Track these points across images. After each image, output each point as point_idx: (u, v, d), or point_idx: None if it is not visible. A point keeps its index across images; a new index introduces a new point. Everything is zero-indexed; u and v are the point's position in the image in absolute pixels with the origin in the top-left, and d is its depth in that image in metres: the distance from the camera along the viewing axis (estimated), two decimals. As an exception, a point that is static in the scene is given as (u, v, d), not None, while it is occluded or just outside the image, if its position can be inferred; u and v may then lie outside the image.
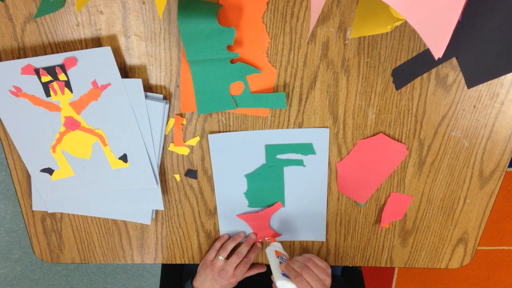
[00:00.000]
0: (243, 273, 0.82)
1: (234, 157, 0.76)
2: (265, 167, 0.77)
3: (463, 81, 0.68)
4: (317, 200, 0.80)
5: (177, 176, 0.78)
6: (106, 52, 0.65)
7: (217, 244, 0.84)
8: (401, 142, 0.75)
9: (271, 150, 0.75)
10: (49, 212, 0.80)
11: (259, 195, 0.80)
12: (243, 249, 0.82)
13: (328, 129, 0.73)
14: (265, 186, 0.79)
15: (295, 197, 0.80)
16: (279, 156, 0.76)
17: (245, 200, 0.81)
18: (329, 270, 0.73)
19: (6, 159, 0.77)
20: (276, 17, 0.64)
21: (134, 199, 0.78)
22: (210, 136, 0.74)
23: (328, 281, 0.71)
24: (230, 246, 0.82)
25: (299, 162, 0.76)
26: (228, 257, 0.82)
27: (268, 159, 0.76)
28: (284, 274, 0.72)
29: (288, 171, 0.77)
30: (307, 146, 0.75)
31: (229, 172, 0.77)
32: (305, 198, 0.80)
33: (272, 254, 0.77)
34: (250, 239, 0.84)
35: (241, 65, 0.67)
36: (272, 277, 0.74)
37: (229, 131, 0.74)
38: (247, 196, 0.80)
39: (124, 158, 0.74)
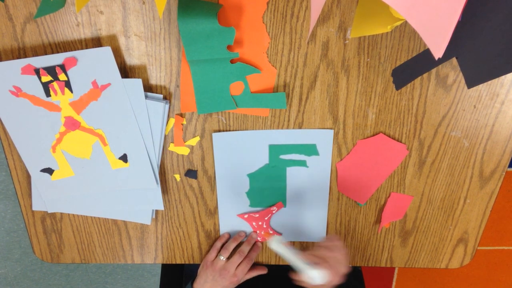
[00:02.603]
0: (244, 273, 0.81)
1: (237, 156, 0.76)
2: (268, 167, 0.77)
3: (463, 81, 0.68)
4: (319, 201, 0.80)
5: (177, 176, 0.78)
6: (106, 52, 0.65)
7: (218, 244, 0.83)
8: (401, 142, 0.75)
9: (275, 150, 0.75)
10: (49, 212, 0.80)
11: (261, 195, 0.80)
12: (245, 248, 0.82)
13: (332, 131, 0.73)
14: (267, 186, 0.79)
15: (297, 198, 0.80)
16: (282, 157, 0.76)
17: (246, 200, 0.80)
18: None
19: (6, 159, 0.77)
20: (276, 17, 0.64)
21: (134, 199, 0.78)
22: (214, 134, 0.74)
23: (347, 264, 0.71)
24: (232, 246, 0.82)
25: (302, 163, 0.76)
26: (229, 258, 0.82)
27: (271, 159, 0.76)
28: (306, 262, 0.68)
29: (290, 171, 0.77)
30: (311, 147, 0.75)
31: (232, 171, 0.77)
32: (307, 199, 0.80)
33: (282, 246, 0.72)
34: (251, 238, 0.84)
35: (241, 65, 0.67)
36: (290, 272, 0.69)
37: (229, 131, 0.74)
38: (248, 196, 0.80)
39: (124, 158, 0.74)
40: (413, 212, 0.82)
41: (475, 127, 0.73)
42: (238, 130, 0.74)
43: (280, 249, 0.72)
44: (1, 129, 0.74)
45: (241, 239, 0.83)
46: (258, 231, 0.84)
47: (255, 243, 0.85)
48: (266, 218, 0.82)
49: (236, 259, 0.80)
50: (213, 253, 0.82)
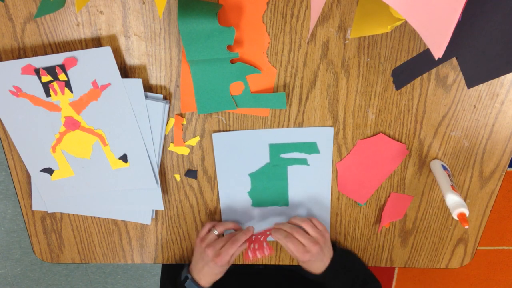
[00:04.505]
0: (229, 255, 0.74)
1: (238, 156, 0.76)
2: (269, 166, 0.77)
3: (463, 81, 0.68)
4: (321, 199, 0.80)
5: (177, 176, 0.78)
6: (106, 52, 0.65)
7: (212, 222, 0.80)
8: (401, 142, 0.75)
9: (275, 149, 0.75)
10: (49, 212, 0.80)
11: (263, 195, 0.80)
12: (241, 237, 0.76)
13: (332, 128, 0.73)
14: (269, 185, 0.79)
15: (299, 196, 0.80)
16: (283, 155, 0.76)
17: (248, 200, 0.80)
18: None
19: (6, 159, 0.77)
20: (276, 17, 0.64)
21: (134, 199, 0.78)
22: (214, 135, 0.74)
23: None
24: (229, 225, 0.78)
25: (303, 161, 0.76)
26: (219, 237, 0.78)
27: (272, 158, 0.76)
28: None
29: (292, 170, 0.77)
30: (311, 145, 0.75)
31: (233, 171, 0.77)
32: (309, 197, 0.80)
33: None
34: (248, 231, 0.78)
35: (241, 65, 0.67)
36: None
37: (229, 131, 0.74)
38: (251, 196, 0.80)
39: (124, 158, 0.74)
40: (413, 212, 0.82)
41: (475, 127, 0.73)
42: (238, 130, 0.74)
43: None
44: (1, 129, 0.74)
45: (237, 226, 0.80)
46: (252, 245, 0.79)
47: (247, 229, 0.79)
48: (261, 239, 0.79)
49: (228, 245, 0.74)
50: (205, 228, 0.78)
